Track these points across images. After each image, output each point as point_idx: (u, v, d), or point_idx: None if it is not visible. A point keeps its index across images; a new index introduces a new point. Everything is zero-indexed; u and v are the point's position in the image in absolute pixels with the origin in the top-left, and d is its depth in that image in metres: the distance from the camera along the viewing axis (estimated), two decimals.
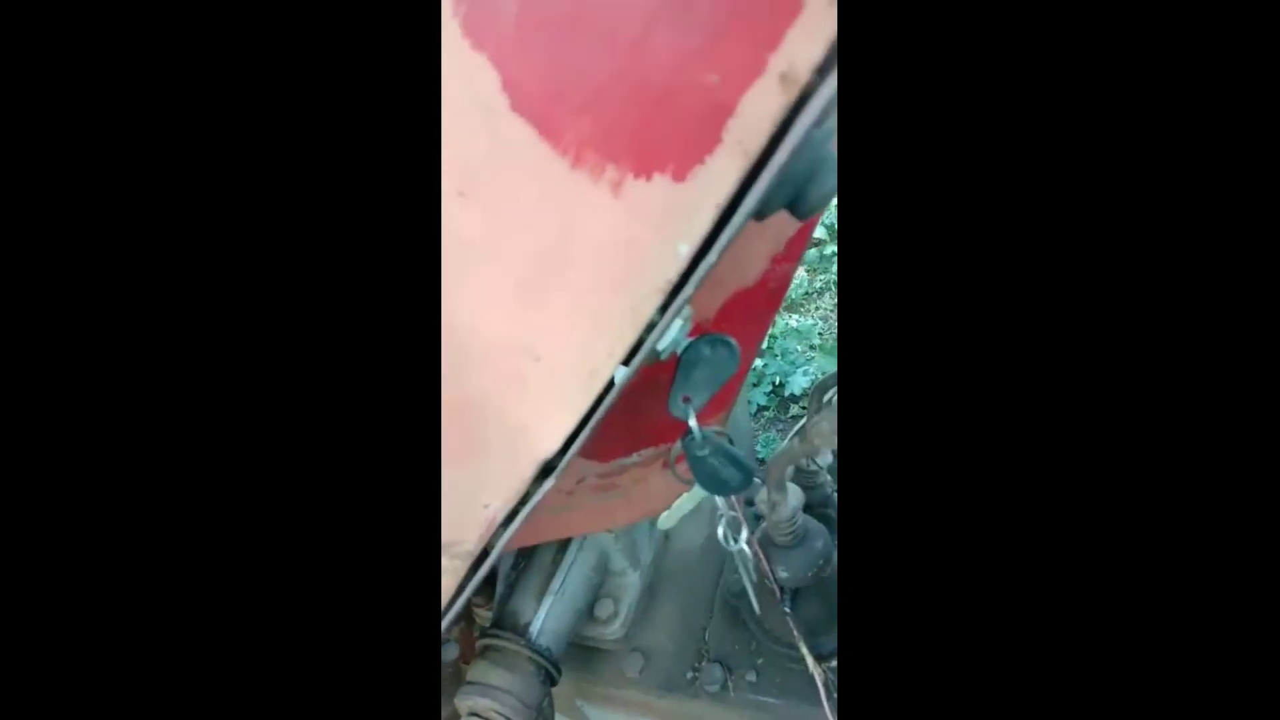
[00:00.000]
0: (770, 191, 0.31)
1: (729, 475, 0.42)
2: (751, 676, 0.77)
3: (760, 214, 0.33)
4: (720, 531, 0.47)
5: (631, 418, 0.47)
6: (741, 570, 0.54)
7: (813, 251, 2.48)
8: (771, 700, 0.74)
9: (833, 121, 0.31)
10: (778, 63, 0.25)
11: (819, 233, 2.50)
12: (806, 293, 2.35)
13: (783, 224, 0.49)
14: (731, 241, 0.28)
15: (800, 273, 2.42)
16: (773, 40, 0.24)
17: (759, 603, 0.77)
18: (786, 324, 2.20)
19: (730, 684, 0.77)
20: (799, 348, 2.06)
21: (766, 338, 2.17)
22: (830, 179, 0.31)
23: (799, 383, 1.91)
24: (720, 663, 0.78)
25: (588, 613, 0.80)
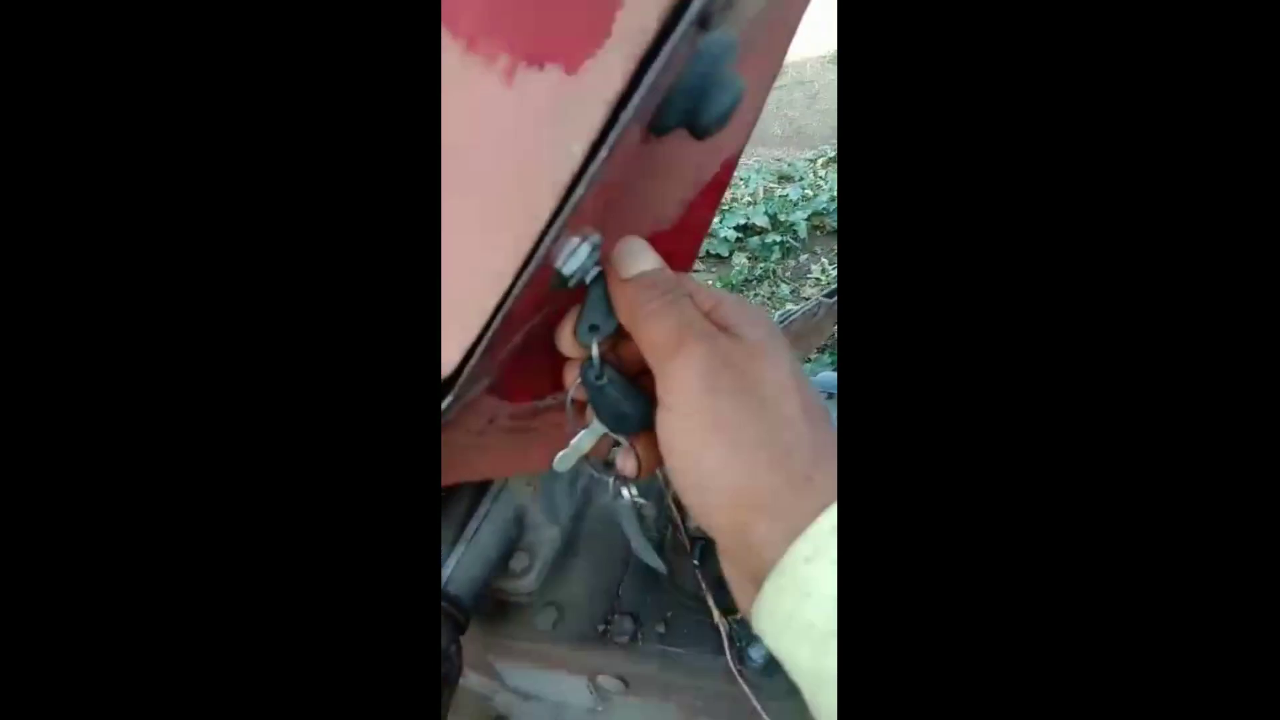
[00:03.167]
0: (664, 101, 0.32)
1: (629, 409, 0.39)
2: (660, 628, 0.79)
3: (658, 128, 0.33)
4: (612, 484, 0.44)
5: (545, 359, 0.47)
6: (625, 526, 0.51)
7: (755, 239, 2.53)
8: (678, 650, 0.76)
9: (727, 36, 0.32)
10: None
11: (760, 220, 2.55)
12: (747, 279, 2.39)
13: (692, 164, 0.50)
14: (621, 141, 0.28)
15: (741, 260, 2.46)
16: None
17: (666, 560, 0.78)
18: None
19: (640, 635, 0.79)
20: None
21: None
22: (725, 99, 0.32)
23: None
24: (631, 615, 0.80)
25: (501, 565, 0.80)
